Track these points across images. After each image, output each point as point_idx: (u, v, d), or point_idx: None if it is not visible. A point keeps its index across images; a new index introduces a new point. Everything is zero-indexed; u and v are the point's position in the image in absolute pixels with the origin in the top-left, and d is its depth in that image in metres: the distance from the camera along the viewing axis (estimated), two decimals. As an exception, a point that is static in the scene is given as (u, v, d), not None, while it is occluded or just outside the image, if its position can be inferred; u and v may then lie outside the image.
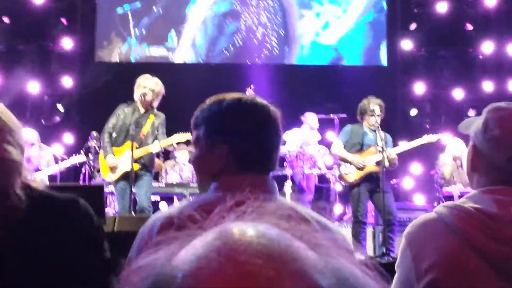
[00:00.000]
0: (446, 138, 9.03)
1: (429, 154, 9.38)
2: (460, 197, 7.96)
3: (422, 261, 1.90)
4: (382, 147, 7.40)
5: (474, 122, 2.11)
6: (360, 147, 7.67)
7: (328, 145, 8.92)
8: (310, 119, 9.69)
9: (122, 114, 7.24)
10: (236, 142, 1.90)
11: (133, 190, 7.16)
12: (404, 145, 7.94)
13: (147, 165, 7.22)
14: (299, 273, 0.64)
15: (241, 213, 0.75)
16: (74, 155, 8.81)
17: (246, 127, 1.91)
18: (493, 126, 2.00)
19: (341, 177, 7.79)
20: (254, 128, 1.91)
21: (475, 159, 2.06)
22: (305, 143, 9.41)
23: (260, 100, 1.96)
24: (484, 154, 2.02)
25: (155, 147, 7.09)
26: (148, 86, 7.13)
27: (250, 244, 0.66)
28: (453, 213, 1.92)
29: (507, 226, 1.85)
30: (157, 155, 8.08)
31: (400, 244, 2.05)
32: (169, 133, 7.22)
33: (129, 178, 6.92)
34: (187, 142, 8.94)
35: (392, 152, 7.60)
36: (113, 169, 7.14)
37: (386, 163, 7.42)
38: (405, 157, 8.73)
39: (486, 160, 2.02)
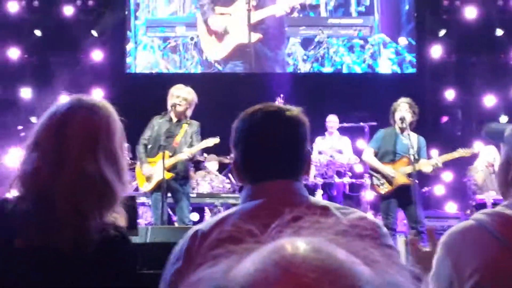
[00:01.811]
0: (478, 144, 8.93)
1: (460, 161, 9.27)
2: (493, 204, 7.93)
3: (464, 267, 1.88)
4: (415, 157, 7.34)
5: (503, 130, 2.06)
6: (393, 157, 7.61)
7: (358, 154, 8.89)
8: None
9: (156, 125, 7.30)
10: (242, 150, 1.99)
11: (169, 201, 7.23)
12: (437, 159, 7.79)
13: (182, 175, 7.26)
14: None
15: (297, 228, 0.76)
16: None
17: (250, 136, 1.98)
18: None
19: (373, 188, 7.74)
20: (258, 135, 1.97)
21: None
22: (337, 151, 9.40)
23: (275, 107, 2.02)
24: None
25: (184, 154, 7.12)
26: (180, 96, 7.17)
27: (306, 258, 0.67)
28: (494, 219, 1.90)
29: None
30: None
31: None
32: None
33: (165, 189, 6.98)
34: (217, 153, 8.99)
35: (426, 166, 7.54)
36: (149, 178, 7.20)
37: (428, 169, 7.40)
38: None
39: None
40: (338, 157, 9.32)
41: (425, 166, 7.55)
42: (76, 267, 1.84)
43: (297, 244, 0.70)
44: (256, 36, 11.47)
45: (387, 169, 7.54)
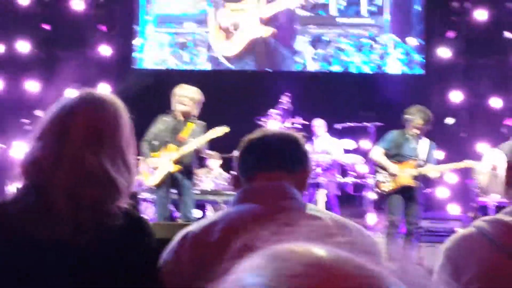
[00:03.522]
0: (484, 147, 8.91)
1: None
2: (496, 207, 7.92)
3: (463, 273, 1.89)
4: (423, 161, 7.44)
5: None
6: (401, 158, 7.66)
7: (363, 154, 8.86)
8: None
9: (161, 124, 7.31)
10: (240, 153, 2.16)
11: (174, 196, 7.26)
12: (443, 167, 8.03)
13: (188, 169, 7.26)
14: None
15: (306, 235, 0.75)
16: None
17: (248, 145, 2.15)
18: None
19: (376, 185, 7.76)
20: (255, 141, 2.14)
21: (509, 175, 2.07)
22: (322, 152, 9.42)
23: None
24: None
25: (192, 144, 7.11)
26: (187, 96, 7.17)
27: (337, 261, 0.66)
28: (494, 226, 1.92)
29: None
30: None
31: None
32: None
33: (169, 185, 7.01)
34: (220, 151, 8.98)
35: (431, 171, 7.62)
36: (154, 170, 7.22)
37: (434, 175, 7.69)
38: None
39: None
40: (321, 158, 9.28)
41: (431, 172, 7.66)
42: (80, 258, 1.83)
43: (319, 249, 0.68)
44: (269, 31, 11.44)
45: (392, 167, 7.58)
